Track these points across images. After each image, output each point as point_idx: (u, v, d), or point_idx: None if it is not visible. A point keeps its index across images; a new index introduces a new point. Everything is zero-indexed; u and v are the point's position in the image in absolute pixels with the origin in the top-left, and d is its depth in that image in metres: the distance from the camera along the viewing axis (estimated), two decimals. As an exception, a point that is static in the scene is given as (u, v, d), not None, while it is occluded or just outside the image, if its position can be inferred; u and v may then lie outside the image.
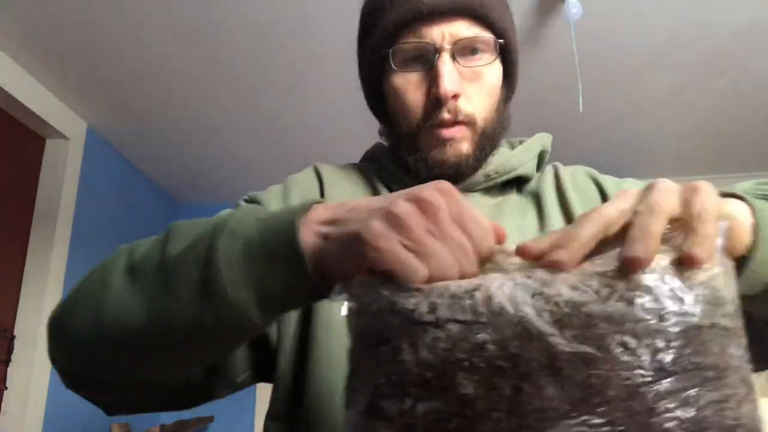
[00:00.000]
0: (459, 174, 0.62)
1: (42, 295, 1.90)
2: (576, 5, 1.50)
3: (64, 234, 2.02)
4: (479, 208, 0.62)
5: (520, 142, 0.72)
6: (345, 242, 0.33)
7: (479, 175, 0.64)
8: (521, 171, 0.67)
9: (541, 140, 0.71)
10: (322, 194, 0.65)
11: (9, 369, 1.82)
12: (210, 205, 2.97)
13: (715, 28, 1.68)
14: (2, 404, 1.80)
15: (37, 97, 1.88)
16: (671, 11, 1.62)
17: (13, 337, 1.84)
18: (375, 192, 0.67)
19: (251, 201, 0.64)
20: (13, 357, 1.82)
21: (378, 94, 0.67)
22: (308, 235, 0.36)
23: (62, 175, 2.02)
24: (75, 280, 2.19)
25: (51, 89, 1.94)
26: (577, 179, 0.68)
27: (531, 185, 0.68)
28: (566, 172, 0.69)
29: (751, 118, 2.21)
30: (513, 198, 0.67)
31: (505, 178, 0.66)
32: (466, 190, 0.65)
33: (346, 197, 0.64)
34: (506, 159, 0.66)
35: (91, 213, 2.21)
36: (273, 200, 0.63)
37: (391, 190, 0.66)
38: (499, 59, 0.62)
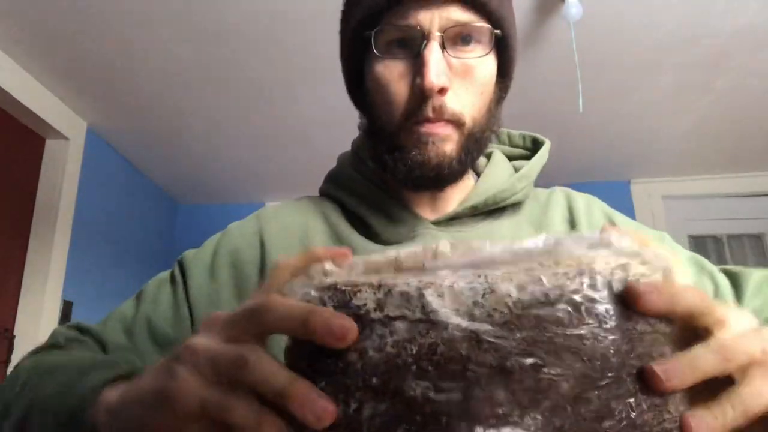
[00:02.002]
0: (440, 176, 0.54)
1: (42, 295, 1.90)
2: (576, 5, 1.50)
3: (64, 234, 2.02)
4: (463, 233, 0.58)
5: (509, 137, 0.67)
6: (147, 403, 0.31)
7: (466, 208, 0.58)
8: (513, 200, 0.60)
9: (541, 160, 0.63)
10: (262, 256, 0.58)
11: (9, 369, 1.82)
12: (210, 205, 2.97)
13: (715, 28, 1.68)
14: (2, 404, 1.80)
15: (37, 97, 1.88)
16: (671, 11, 1.62)
17: (13, 337, 1.84)
18: (334, 233, 0.59)
19: (182, 269, 0.60)
20: (13, 357, 1.82)
21: (359, 82, 0.60)
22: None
23: (62, 175, 2.02)
24: (75, 279, 2.18)
25: (51, 89, 1.94)
26: (593, 217, 0.61)
27: (530, 209, 0.62)
28: (581, 205, 0.62)
29: (751, 118, 2.21)
30: (504, 223, 0.60)
31: (492, 208, 0.59)
32: (449, 219, 0.59)
33: (292, 244, 0.58)
34: (498, 191, 0.59)
35: (91, 213, 2.21)
36: (201, 269, 0.59)
37: (358, 218, 0.60)
38: (494, 53, 0.55)
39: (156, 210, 2.76)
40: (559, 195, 0.64)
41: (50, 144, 2.05)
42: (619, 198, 2.75)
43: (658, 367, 0.26)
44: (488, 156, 0.66)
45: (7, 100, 1.80)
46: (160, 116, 2.13)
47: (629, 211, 2.67)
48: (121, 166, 2.45)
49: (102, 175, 2.29)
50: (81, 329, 0.57)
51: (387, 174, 0.57)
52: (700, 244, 2.76)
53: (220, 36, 1.69)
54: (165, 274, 0.62)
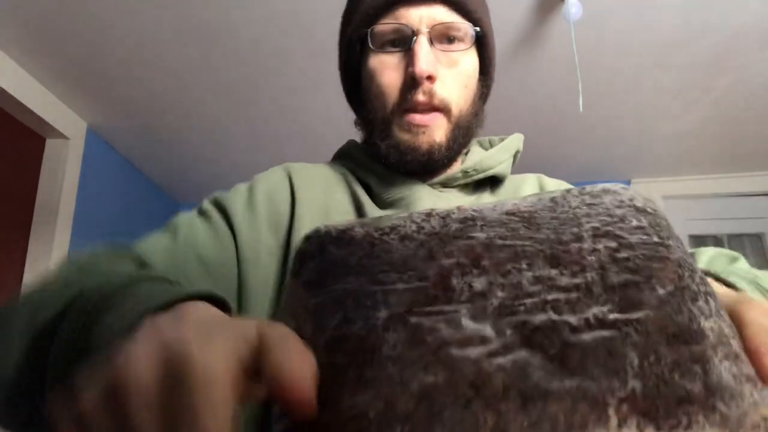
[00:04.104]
0: (431, 162, 0.60)
1: (42, 295, 1.90)
2: (576, 5, 1.50)
3: (64, 234, 2.02)
4: (453, 199, 0.62)
5: (490, 142, 0.72)
6: None
7: (457, 171, 0.63)
8: (498, 170, 0.65)
9: (516, 141, 0.70)
10: (292, 196, 0.62)
11: (9, 369, 1.82)
12: (210, 205, 2.97)
13: (715, 28, 1.68)
14: (2, 404, 1.80)
15: (37, 97, 1.88)
16: (671, 11, 1.62)
17: (13, 337, 1.84)
18: (350, 189, 0.63)
19: (216, 203, 0.62)
20: (13, 357, 1.83)
21: (354, 80, 0.66)
22: None
23: (62, 175, 2.02)
24: (75, 280, 2.17)
25: (51, 89, 1.94)
26: None
27: (506, 188, 0.67)
28: (552, 186, 0.67)
29: (751, 118, 2.21)
30: (486, 198, 0.65)
31: (482, 175, 0.64)
32: (444, 185, 0.63)
33: (319, 198, 0.62)
34: (484, 157, 0.65)
35: (91, 213, 2.21)
36: (239, 201, 0.61)
37: (365, 184, 0.64)
38: (475, 51, 0.62)
39: (156, 210, 2.76)
40: (532, 178, 0.69)
41: (50, 144, 2.05)
42: (619, 198, 2.75)
43: None
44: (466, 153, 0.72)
45: (7, 100, 1.80)
46: (160, 116, 2.14)
47: (629, 211, 2.66)
48: (121, 166, 2.45)
49: (102, 175, 2.29)
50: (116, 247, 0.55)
51: (381, 161, 0.62)
52: (700, 244, 2.76)
53: (221, 36, 1.69)
54: (187, 212, 0.63)
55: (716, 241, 2.76)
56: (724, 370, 0.22)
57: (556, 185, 0.68)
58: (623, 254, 0.24)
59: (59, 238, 1.99)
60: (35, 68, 1.82)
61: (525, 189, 0.66)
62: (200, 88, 1.96)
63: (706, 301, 0.24)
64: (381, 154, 0.61)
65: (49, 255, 1.94)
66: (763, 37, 1.73)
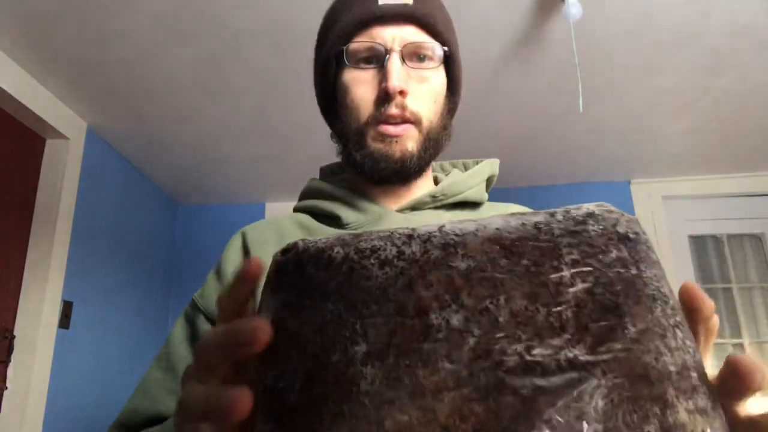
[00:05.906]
0: (404, 170, 0.63)
1: (42, 295, 1.90)
2: (576, 5, 1.50)
3: (64, 234, 2.02)
4: (424, 221, 0.64)
5: (464, 165, 0.76)
6: None
7: (426, 196, 0.67)
8: (468, 195, 0.69)
9: (490, 166, 0.74)
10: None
11: (9, 369, 1.82)
12: (210, 205, 2.97)
13: (715, 28, 1.69)
14: (2, 404, 1.80)
15: (37, 97, 1.88)
16: (671, 11, 1.62)
17: (13, 337, 1.84)
18: (303, 229, 0.67)
19: (194, 304, 0.65)
20: (13, 357, 1.82)
21: (330, 96, 0.70)
22: None
23: (62, 175, 2.02)
24: (75, 280, 2.17)
25: (51, 89, 1.94)
26: None
27: (488, 212, 0.69)
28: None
29: (751, 117, 2.21)
30: (464, 216, 0.68)
31: (451, 200, 0.68)
32: (414, 208, 0.67)
33: (270, 251, 0.63)
34: (453, 182, 0.69)
35: (91, 213, 2.21)
36: (213, 292, 0.65)
37: (331, 218, 0.67)
38: (443, 69, 0.67)
39: (156, 210, 2.76)
40: (515, 210, 0.71)
41: (50, 144, 2.05)
42: (619, 198, 2.75)
43: None
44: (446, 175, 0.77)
45: (7, 100, 1.80)
46: (160, 116, 2.14)
47: (629, 211, 2.66)
48: (121, 166, 2.45)
49: (102, 175, 2.29)
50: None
51: (356, 170, 0.66)
52: (700, 244, 2.76)
53: (220, 37, 1.69)
54: (177, 328, 0.66)
55: (716, 241, 2.76)
56: (680, 407, 0.23)
57: None
58: (600, 291, 0.25)
59: (59, 238, 1.99)
60: (35, 68, 1.82)
61: None
62: (200, 89, 1.96)
63: (674, 335, 0.25)
64: (356, 163, 0.64)
65: (49, 255, 1.94)
66: (763, 37, 1.73)
